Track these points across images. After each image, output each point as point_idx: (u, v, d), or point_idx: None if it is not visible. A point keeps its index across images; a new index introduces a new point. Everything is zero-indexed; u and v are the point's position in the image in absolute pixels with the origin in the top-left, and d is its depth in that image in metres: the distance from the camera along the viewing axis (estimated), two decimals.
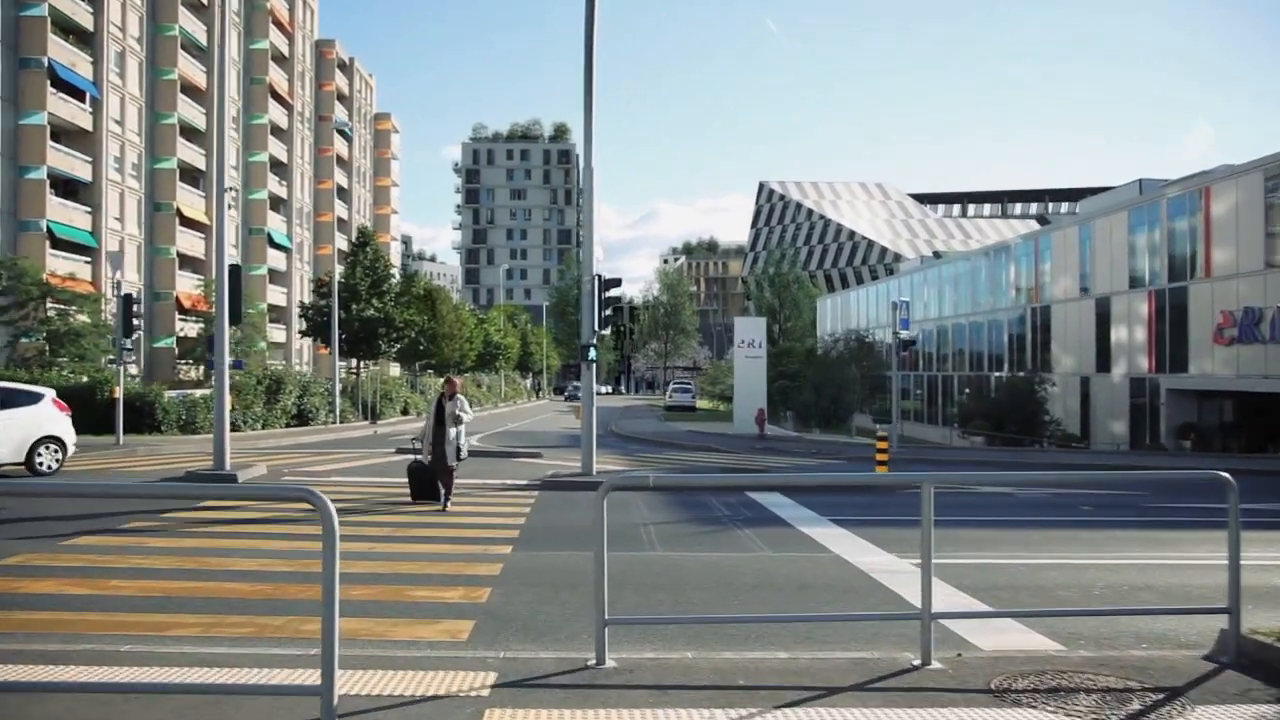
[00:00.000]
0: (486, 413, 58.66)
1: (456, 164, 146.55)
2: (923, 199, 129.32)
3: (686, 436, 34.54)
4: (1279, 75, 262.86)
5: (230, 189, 19.28)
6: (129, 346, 26.73)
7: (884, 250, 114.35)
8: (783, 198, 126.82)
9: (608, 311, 19.61)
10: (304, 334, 43.29)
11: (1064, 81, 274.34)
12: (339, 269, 41.08)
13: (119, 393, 26.04)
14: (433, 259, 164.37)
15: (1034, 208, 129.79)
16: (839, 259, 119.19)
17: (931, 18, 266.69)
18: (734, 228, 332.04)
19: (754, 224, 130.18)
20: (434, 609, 8.51)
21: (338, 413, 37.56)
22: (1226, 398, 38.54)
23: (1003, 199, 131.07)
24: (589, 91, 19.51)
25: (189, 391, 32.66)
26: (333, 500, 5.16)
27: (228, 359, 19.11)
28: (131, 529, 12.70)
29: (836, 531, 13.55)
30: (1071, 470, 23.95)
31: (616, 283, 19.69)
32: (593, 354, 19.38)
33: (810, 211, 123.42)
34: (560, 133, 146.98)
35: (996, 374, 55.01)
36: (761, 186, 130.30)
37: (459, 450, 15.36)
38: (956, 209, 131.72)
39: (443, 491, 15.14)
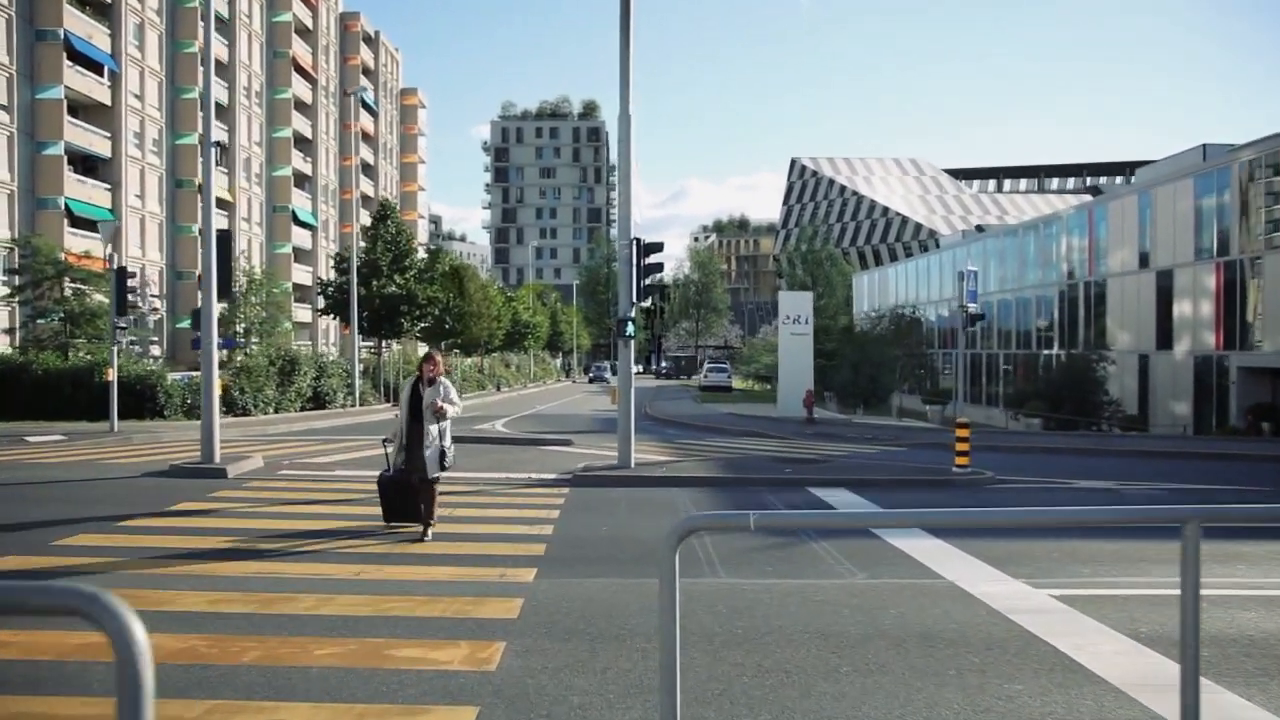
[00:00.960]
0: (515, 394, 56.22)
1: (485, 143, 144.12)
2: (957, 174, 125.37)
3: (728, 420, 31.85)
4: None
5: (217, 143, 16.68)
6: (123, 325, 24.27)
7: (918, 226, 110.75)
8: (815, 174, 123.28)
9: (648, 280, 16.91)
10: (323, 312, 40.91)
11: (1103, 56, 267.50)
12: (359, 244, 38.60)
13: (113, 375, 23.60)
14: (463, 238, 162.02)
15: (1071, 183, 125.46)
16: (872, 235, 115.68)
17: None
18: (765, 205, 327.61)
19: (785, 201, 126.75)
20: (422, 686, 5.86)
21: (357, 395, 35.16)
22: None
23: (1039, 174, 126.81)
24: (625, 28, 16.74)
25: (196, 374, 30.27)
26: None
27: (215, 338, 16.57)
28: None
29: (929, 543, 10.88)
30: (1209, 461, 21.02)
31: (658, 247, 17.00)
32: (630, 329, 16.72)
33: (843, 188, 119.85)
34: (589, 110, 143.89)
35: (1045, 352, 51.96)
36: (793, 163, 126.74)
37: (444, 456, 11.15)
38: (992, 184, 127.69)
39: (423, 513, 11.03)
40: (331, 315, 39.44)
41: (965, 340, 26.90)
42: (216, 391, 16.54)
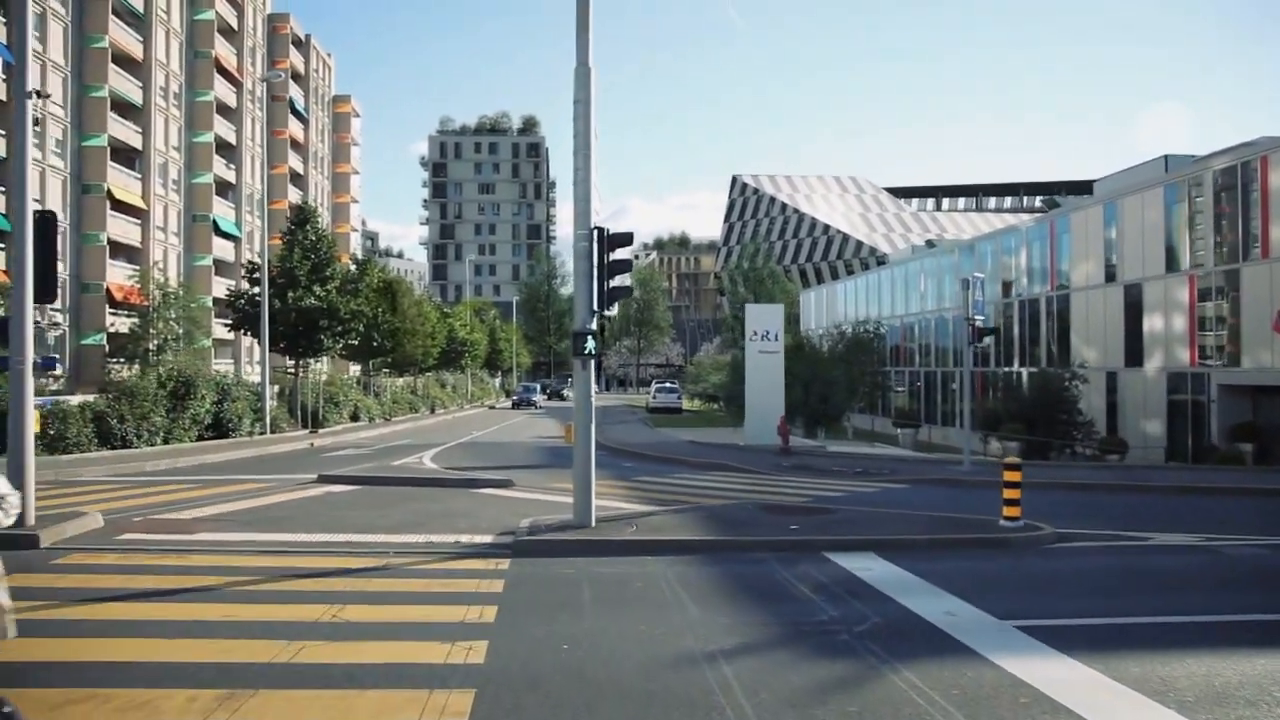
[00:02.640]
0: (451, 416, 51.40)
1: (424, 158, 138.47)
2: (897, 192, 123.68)
3: (689, 449, 27.66)
4: (1232, 63, 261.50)
5: (35, 92, 12.13)
6: None
7: (859, 244, 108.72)
8: (756, 191, 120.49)
9: (614, 281, 12.69)
10: (233, 327, 36.03)
11: (1036, 75, 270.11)
12: (275, 251, 33.84)
13: None
14: (400, 255, 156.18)
15: (1008, 201, 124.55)
16: (814, 253, 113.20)
17: (900, 6, 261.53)
18: (705, 224, 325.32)
19: (727, 218, 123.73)
20: None
21: (268, 421, 30.34)
22: None
23: (977, 193, 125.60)
24: None
25: (60, 399, 25.31)
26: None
27: (30, 354, 11.96)
28: None
29: (1064, 669, 6.89)
30: None
31: (625, 239, 12.80)
32: (590, 345, 12.48)
33: (784, 205, 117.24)
34: (529, 125, 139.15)
35: (1005, 369, 48.89)
36: (734, 180, 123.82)
37: None
38: (930, 203, 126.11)
39: None
40: (243, 330, 34.60)
41: (972, 357, 23.16)
42: (30, 426, 11.93)
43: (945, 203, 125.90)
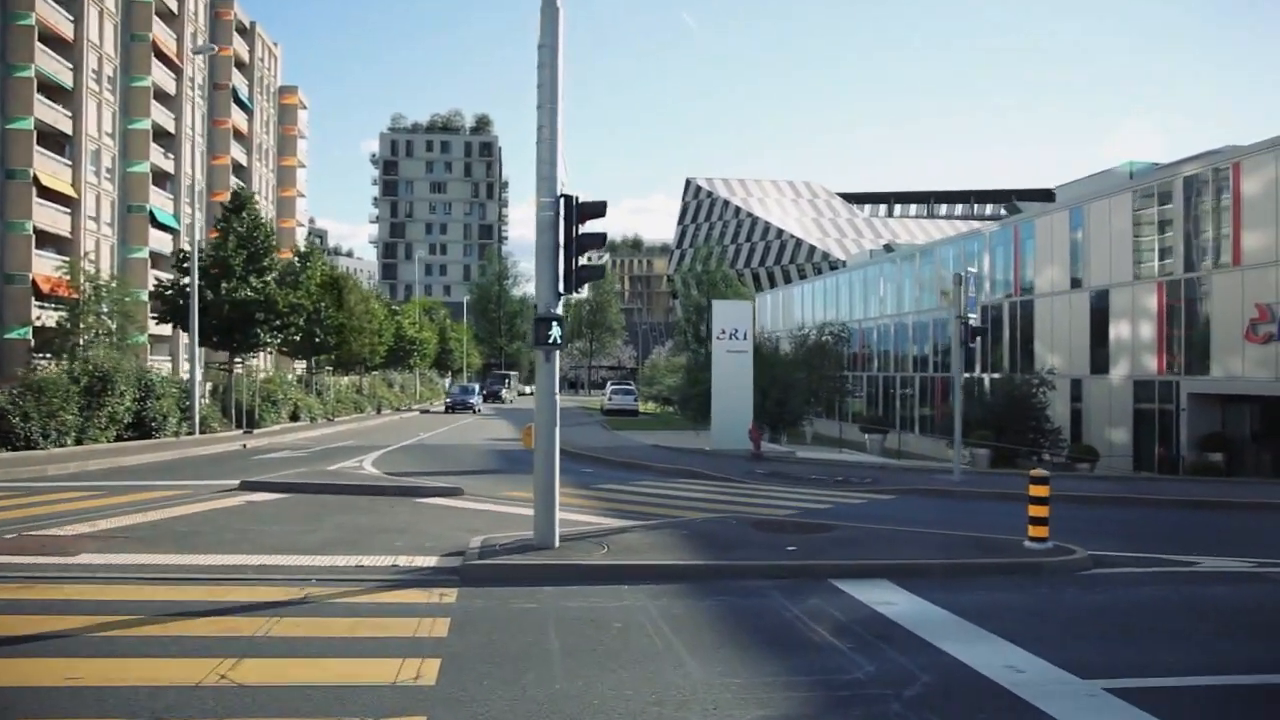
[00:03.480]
0: (398, 417, 48.84)
1: (374, 155, 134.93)
2: (850, 198, 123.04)
3: (653, 454, 25.63)
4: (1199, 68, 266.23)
5: None
6: None
7: (812, 249, 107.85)
8: (710, 195, 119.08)
9: (584, 259, 10.67)
10: (159, 319, 33.32)
11: (988, 83, 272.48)
12: (197, 233, 31.26)
13: None
14: (349, 254, 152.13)
15: (959, 209, 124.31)
16: (767, 257, 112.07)
17: (855, 11, 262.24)
18: (659, 227, 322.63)
19: (680, 221, 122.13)
20: None
21: (196, 421, 27.80)
22: (1252, 402, 31.46)
23: (929, 199, 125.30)
24: None
25: None
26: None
27: None
28: None
29: None
30: None
31: (598, 209, 10.77)
32: (555, 332, 10.44)
33: (738, 209, 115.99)
34: (482, 124, 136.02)
35: (966, 375, 47.53)
36: (688, 183, 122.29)
37: None
38: (883, 209, 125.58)
39: None
40: (173, 324, 31.94)
41: (962, 357, 21.42)
42: None
43: (898, 209, 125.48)
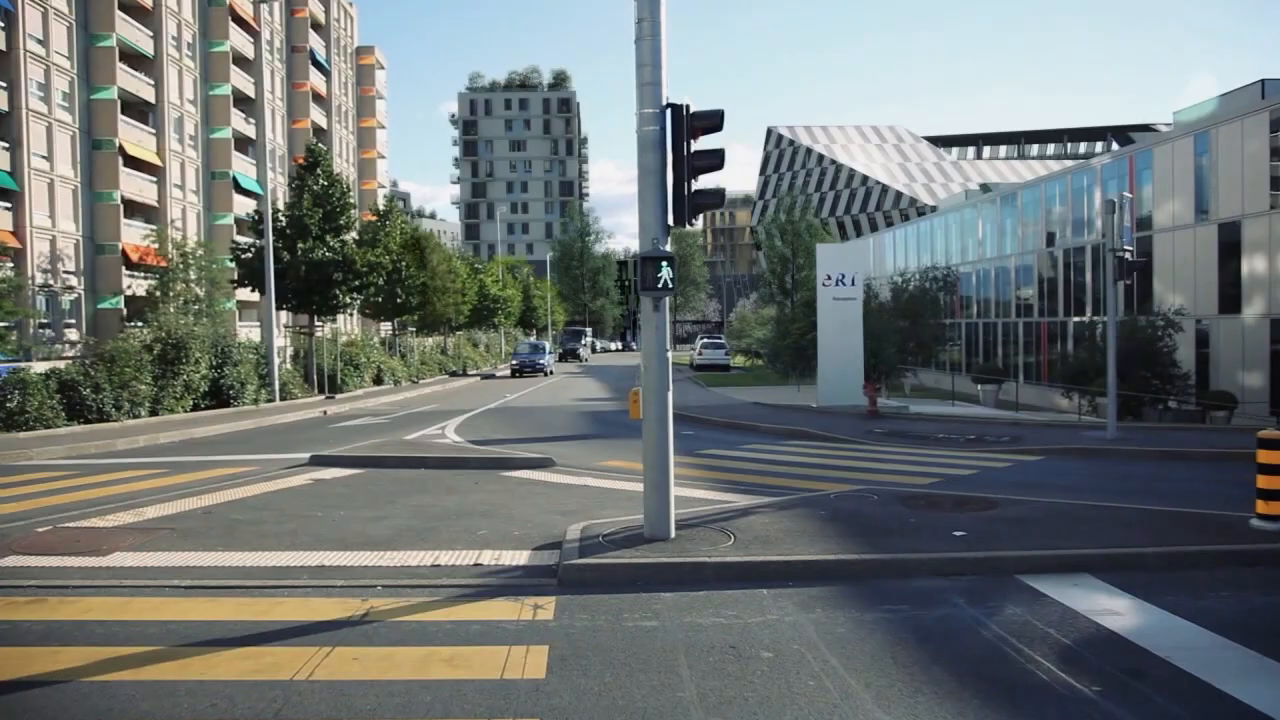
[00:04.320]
0: (482, 379, 47.35)
1: (453, 115, 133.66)
2: (936, 141, 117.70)
3: (755, 413, 23.36)
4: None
5: None
6: None
7: (899, 195, 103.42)
8: (792, 143, 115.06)
9: (698, 183, 8.48)
10: (235, 283, 32.15)
11: (1071, 30, 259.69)
12: (280, 198, 29.78)
13: None
14: (432, 215, 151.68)
15: (1051, 148, 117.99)
16: (852, 205, 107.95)
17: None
18: (739, 180, 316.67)
19: (762, 171, 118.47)
20: None
21: (276, 387, 26.48)
22: None
23: (1019, 140, 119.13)
24: None
25: (20, 365, 21.45)
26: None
27: None
28: None
29: None
30: None
31: (714, 121, 8.50)
32: (665, 274, 8.29)
33: (821, 157, 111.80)
34: (560, 80, 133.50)
35: (1077, 318, 44.23)
36: (770, 132, 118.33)
37: None
38: (971, 151, 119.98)
39: None
40: (248, 286, 30.75)
41: (1117, 296, 18.62)
42: None
43: (986, 150, 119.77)
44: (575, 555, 8.08)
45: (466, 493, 11.96)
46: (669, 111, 8.43)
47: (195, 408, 23.17)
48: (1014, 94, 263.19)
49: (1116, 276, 16.79)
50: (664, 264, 8.29)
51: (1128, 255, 16.64)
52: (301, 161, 31.56)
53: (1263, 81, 38.30)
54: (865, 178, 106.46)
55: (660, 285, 8.27)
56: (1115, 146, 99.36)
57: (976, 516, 9.66)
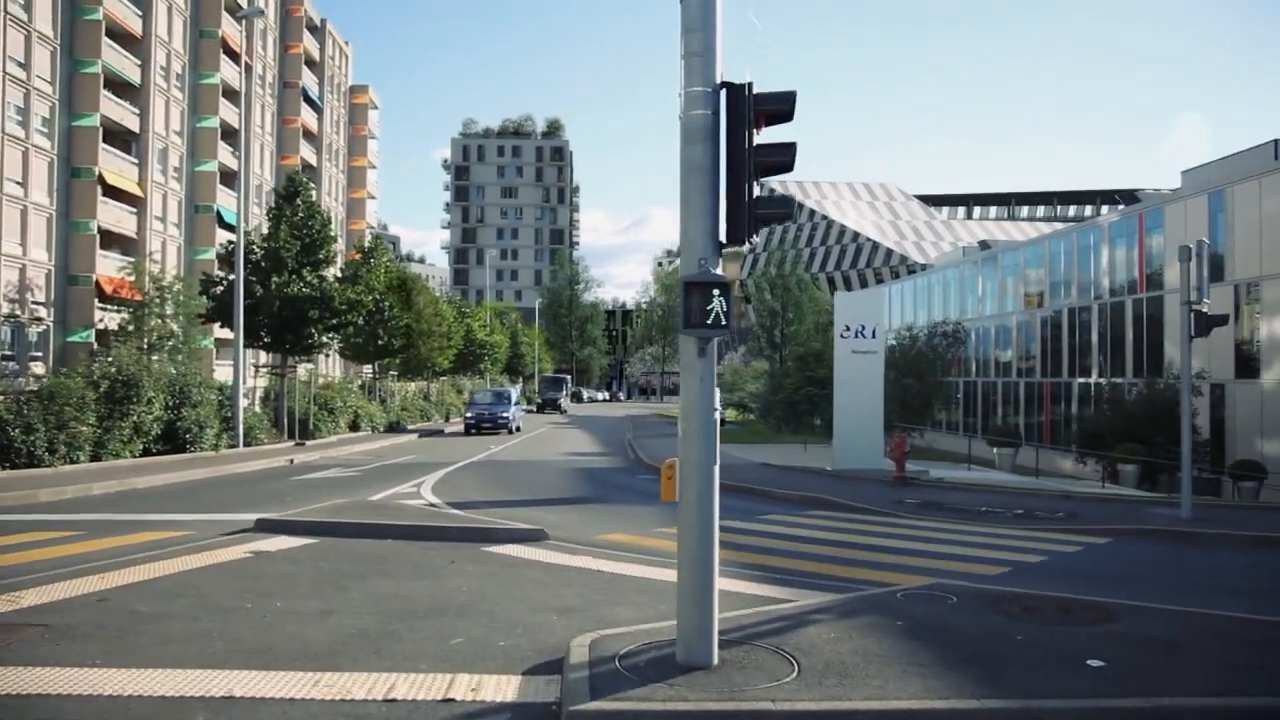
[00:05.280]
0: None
1: (446, 160, 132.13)
2: (927, 200, 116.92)
3: (765, 475, 20.88)
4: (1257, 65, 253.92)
5: None
6: None
7: (889, 252, 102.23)
8: (784, 197, 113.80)
9: (760, 188, 6.23)
10: (203, 317, 29.80)
11: (1058, 85, 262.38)
12: (247, 228, 27.56)
13: None
14: (421, 260, 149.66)
15: (1041, 210, 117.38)
16: (842, 261, 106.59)
17: (924, 16, 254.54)
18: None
19: None
20: None
21: (240, 432, 23.96)
22: None
23: (1010, 201, 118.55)
24: None
25: None
26: None
27: None
28: None
29: None
30: None
31: (784, 106, 6.29)
32: (718, 306, 6.01)
33: (812, 212, 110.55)
34: (553, 128, 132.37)
35: (1081, 379, 42.39)
36: (760, 186, 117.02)
37: None
38: (961, 211, 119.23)
39: None
40: (216, 321, 28.38)
41: (1189, 353, 16.33)
42: None
43: (977, 211, 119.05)
44: (584, 693, 5.67)
45: (440, 575, 9.53)
46: (724, 92, 6.21)
47: (146, 453, 20.62)
48: (992, 155, 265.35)
49: (1192, 332, 14.68)
50: (715, 292, 6.02)
51: (1205, 308, 14.54)
52: (281, 192, 29.30)
53: (1275, 142, 36.91)
54: (856, 234, 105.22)
55: (711, 321, 5.99)
56: (1104, 210, 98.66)
57: (1100, 634, 7.32)
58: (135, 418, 19.99)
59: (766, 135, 6.35)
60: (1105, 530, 13.68)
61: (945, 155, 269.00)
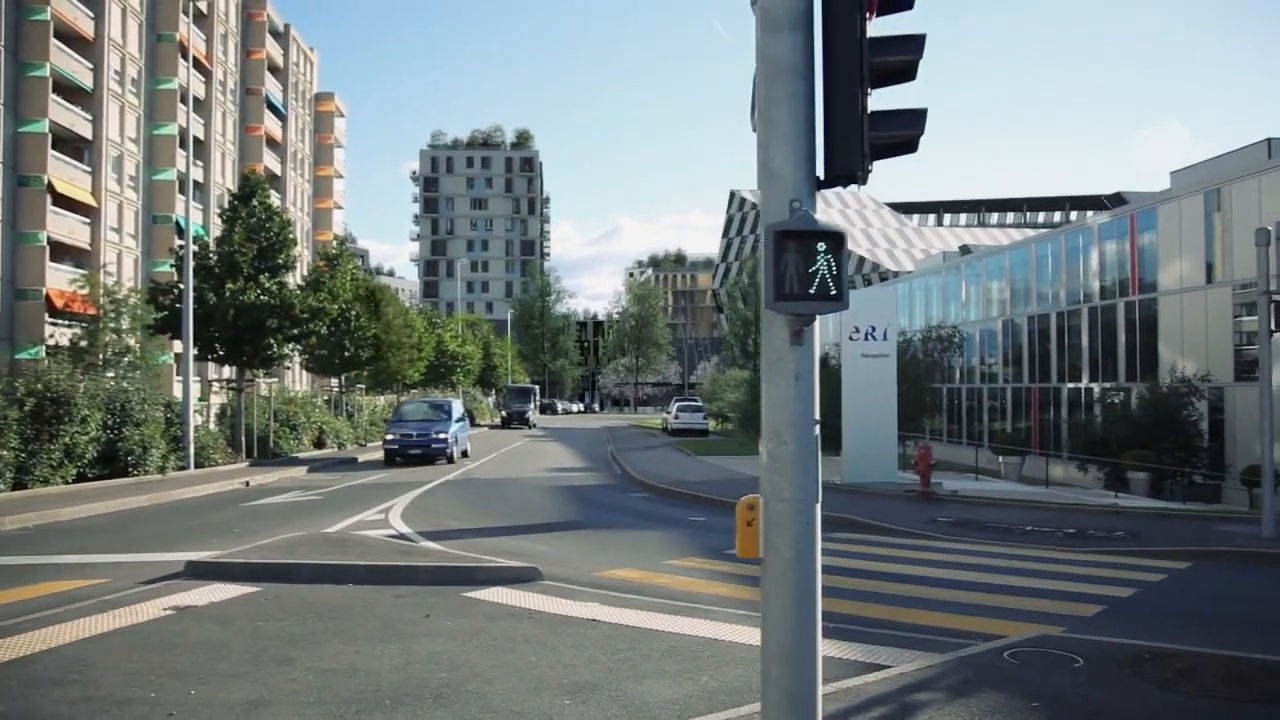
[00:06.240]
0: None
1: (414, 172, 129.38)
2: (898, 208, 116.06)
3: None
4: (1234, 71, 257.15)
5: None
6: None
7: (861, 260, 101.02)
8: (755, 206, 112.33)
9: (879, 94, 4.13)
10: (152, 330, 27.46)
11: (1034, 90, 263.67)
12: (197, 230, 25.25)
13: None
14: (390, 273, 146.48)
15: (1010, 217, 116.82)
16: None
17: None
18: (699, 243, 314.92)
19: (725, 234, 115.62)
20: None
21: (191, 452, 21.60)
22: None
23: (979, 208, 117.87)
24: None
25: None
26: None
27: None
28: None
29: None
30: None
31: None
32: (823, 266, 3.94)
33: None
34: (523, 139, 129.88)
35: (1071, 384, 40.96)
36: (733, 195, 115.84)
37: None
38: (932, 219, 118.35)
39: None
40: (167, 334, 26.07)
41: (1267, 356, 14.50)
42: None
43: (947, 218, 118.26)
44: None
45: (412, 636, 7.39)
46: None
47: (81, 478, 18.23)
48: (961, 162, 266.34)
49: (1273, 326, 12.87)
50: (821, 247, 3.98)
51: None
52: (236, 192, 26.74)
53: (1269, 140, 35.68)
54: None
55: (816, 288, 3.94)
56: (1074, 216, 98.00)
57: None
58: (67, 439, 17.64)
59: (882, 24, 4.33)
60: (1179, 553, 11.78)
61: (916, 161, 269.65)
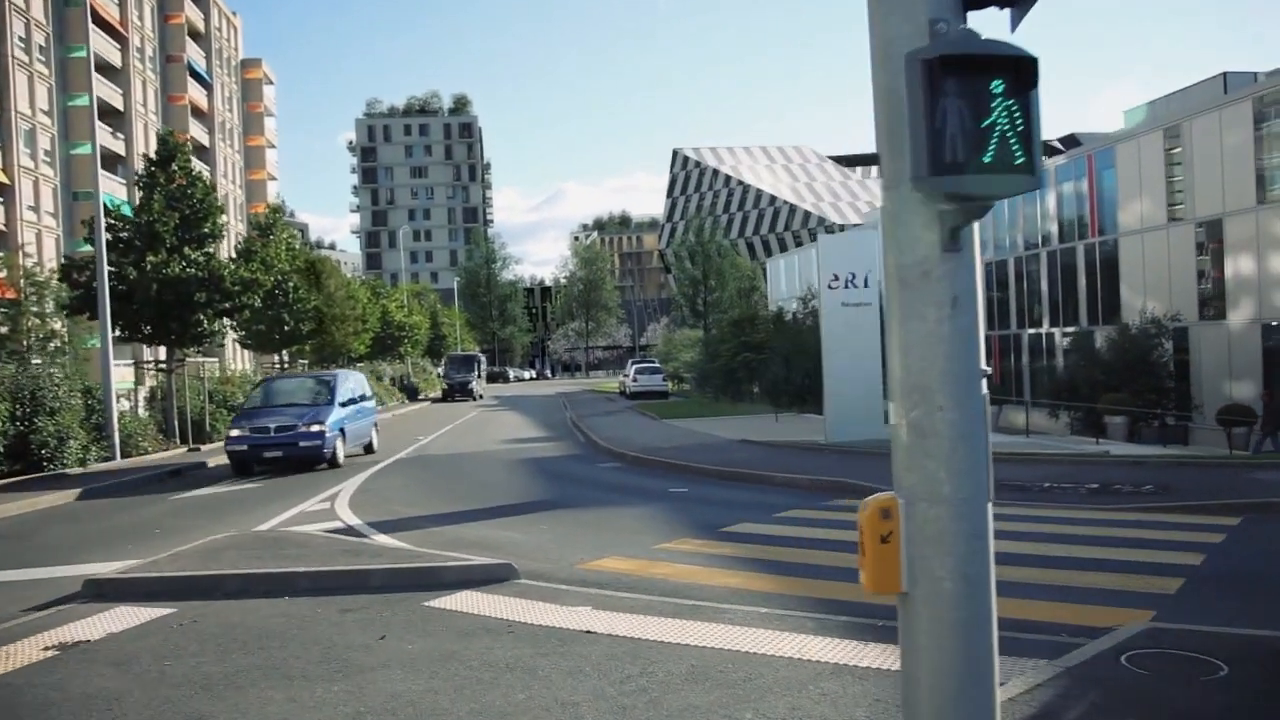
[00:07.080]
0: (390, 415, 40.25)
1: (351, 142, 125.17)
2: (840, 160, 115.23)
3: (750, 455, 17.18)
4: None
5: None
6: None
7: (807, 214, 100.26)
8: (698, 165, 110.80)
9: (676, 158, 2.51)
10: (68, 310, 25.17)
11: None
12: (119, 204, 23.03)
13: None
14: (332, 247, 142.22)
15: None
16: (761, 226, 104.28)
17: None
18: (644, 205, 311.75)
19: (669, 194, 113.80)
20: None
21: (115, 442, 19.57)
22: None
23: None
24: None
25: None
26: None
27: None
28: None
29: None
30: None
31: None
32: (1000, 118, 2.33)
33: (728, 178, 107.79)
34: (461, 105, 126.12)
35: (1032, 330, 40.35)
36: (675, 154, 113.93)
37: None
38: (874, 170, 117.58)
39: None
40: (85, 313, 23.85)
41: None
42: None
43: None
44: None
45: (362, 670, 5.76)
46: None
47: None
48: None
49: None
50: (996, 86, 2.39)
51: None
52: (183, 182, 23.75)
53: (1224, 74, 34.95)
54: (773, 198, 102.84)
55: (994, 155, 2.35)
56: (1069, 145, 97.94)
57: None
58: None
59: None
60: (1222, 506, 10.52)
61: (858, 111, 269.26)
